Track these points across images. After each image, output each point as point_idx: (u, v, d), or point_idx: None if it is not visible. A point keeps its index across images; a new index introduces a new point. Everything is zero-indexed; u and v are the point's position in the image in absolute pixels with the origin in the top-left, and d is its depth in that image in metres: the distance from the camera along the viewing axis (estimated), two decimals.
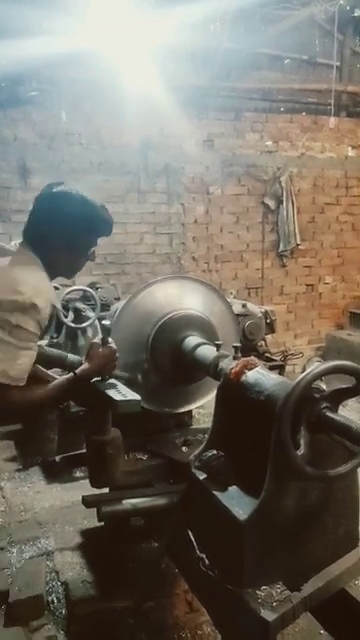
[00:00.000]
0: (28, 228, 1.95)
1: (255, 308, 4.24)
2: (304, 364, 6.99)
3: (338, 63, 6.91)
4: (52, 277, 1.97)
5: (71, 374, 1.98)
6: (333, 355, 7.15)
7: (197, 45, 6.10)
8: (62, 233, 1.90)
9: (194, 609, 2.78)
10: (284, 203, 6.96)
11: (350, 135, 7.40)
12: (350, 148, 7.42)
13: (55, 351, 2.33)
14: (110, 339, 2.09)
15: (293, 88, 6.86)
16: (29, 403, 1.85)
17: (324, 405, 1.58)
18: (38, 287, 1.76)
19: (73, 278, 2.18)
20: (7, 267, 1.79)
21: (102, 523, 3.19)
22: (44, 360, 2.12)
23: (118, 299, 4.89)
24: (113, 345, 2.07)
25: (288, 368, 5.78)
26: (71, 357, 2.31)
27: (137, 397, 2.02)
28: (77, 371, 1.98)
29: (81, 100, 5.88)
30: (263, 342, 4.38)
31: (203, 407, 3.73)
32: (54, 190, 1.93)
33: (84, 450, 3.29)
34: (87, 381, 2.03)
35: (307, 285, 7.48)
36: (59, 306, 2.04)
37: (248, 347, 3.87)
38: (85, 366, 2.02)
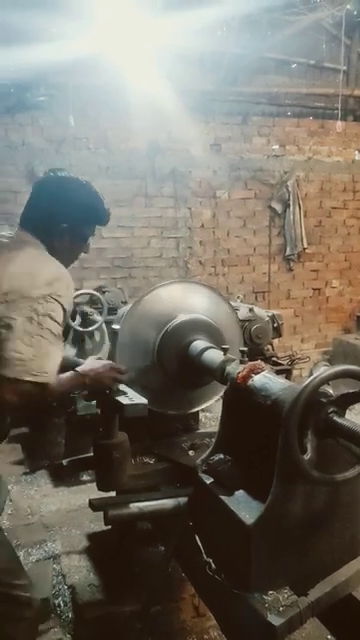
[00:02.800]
0: (28, 213, 1.89)
1: (262, 312, 4.23)
2: (311, 368, 6.97)
3: (345, 67, 6.90)
4: None
5: (77, 373, 1.88)
6: (340, 359, 7.12)
7: (204, 50, 6.11)
8: (66, 217, 1.86)
9: (201, 613, 2.78)
10: (291, 207, 6.95)
11: (357, 139, 7.38)
12: (357, 152, 7.40)
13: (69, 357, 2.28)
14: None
15: (300, 92, 6.85)
16: (53, 398, 1.81)
17: (331, 409, 1.58)
18: (59, 272, 1.72)
19: (80, 281, 2.15)
20: (20, 255, 1.72)
21: (109, 527, 3.20)
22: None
23: (125, 303, 4.91)
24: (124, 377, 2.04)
25: (295, 372, 5.78)
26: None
27: (144, 401, 2.03)
28: (87, 382, 1.91)
29: (88, 105, 5.91)
30: (270, 346, 4.37)
31: (209, 411, 3.74)
32: (58, 174, 1.91)
33: (91, 454, 3.32)
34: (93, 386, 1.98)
35: (314, 289, 7.46)
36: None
37: (255, 351, 3.86)
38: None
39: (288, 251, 7.11)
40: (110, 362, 2.04)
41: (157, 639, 2.60)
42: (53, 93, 5.65)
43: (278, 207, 7.00)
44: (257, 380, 1.87)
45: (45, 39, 4.88)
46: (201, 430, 2.91)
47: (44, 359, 1.62)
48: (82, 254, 2.05)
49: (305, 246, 7.09)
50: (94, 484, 3.67)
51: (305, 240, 7.07)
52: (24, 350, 1.58)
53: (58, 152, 5.94)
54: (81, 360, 2.21)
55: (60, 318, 1.68)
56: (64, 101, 5.67)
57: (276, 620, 1.53)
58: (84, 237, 1.97)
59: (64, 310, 1.70)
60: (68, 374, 1.84)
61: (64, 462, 2.92)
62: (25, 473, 4.32)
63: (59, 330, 1.68)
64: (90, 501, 2.32)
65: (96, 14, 4.66)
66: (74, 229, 1.89)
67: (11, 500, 3.86)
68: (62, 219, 1.85)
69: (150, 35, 4.96)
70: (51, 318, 1.64)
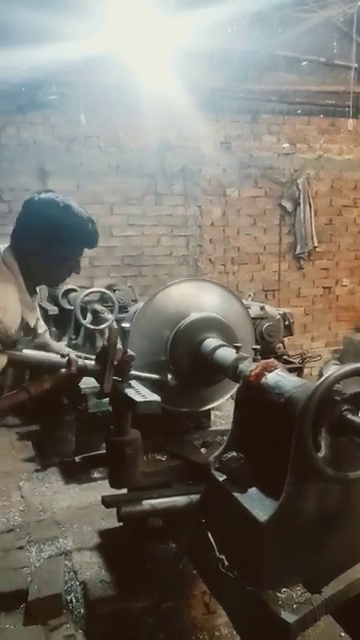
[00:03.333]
0: (13, 230, 1.96)
1: (273, 310, 4.23)
2: (321, 367, 6.95)
3: (356, 65, 6.86)
4: (32, 284, 1.97)
5: (24, 392, 1.90)
6: (350, 358, 7.10)
7: (214, 47, 6.09)
8: (37, 237, 1.88)
9: (211, 611, 2.78)
10: (301, 205, 6.94)
11: None
12: None
13: (42, 355, 2.07)
14: (74, 357, 1.99)
15: (310, 90, 6.82)
16: None
17: (345, 407, 1.58)
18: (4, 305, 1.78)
19: (90, 280, 2.16)
20: None
21: (120, 524, 3.21)
22: (31, 366, 2.08)
23: (135, 301, 4.92)
24: (73, 368, 1.97)
25: (305, 371, 5.76)
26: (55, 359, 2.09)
27: (157, 398, 2.03)
28: (31, 390, 1.91)
29: (99, 103, 5.92)
30: (281, 344, 4.37)
31: (219, 409, 3.74)
32: (40, 196, 1.93)
33: (102, 451, 3.33)
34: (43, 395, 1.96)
35: (324, 287, 7.45)
36: (33, 316, 2.01)
37: (266, 349, 3.86)
38: (42, 384, 1.95)
39: (298, 249, 7.10)
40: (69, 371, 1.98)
41: (168, 635, 2.61)
42: (64, 92, 5.67)
43: (288, 205, 6.99)
44: (270, 378, 1.88)
45: (56, 38, 4.89)
46: (213, 428, 2.91)
47: None
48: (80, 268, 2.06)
49: (315, 244, 7.08)
50: (105, 481, 3.67)
51: (315, 238, 7.06)
52: None
53: (69, 150, 5.96)
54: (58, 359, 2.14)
55: None
56: (75, 99, 5.69)
57: (290, 617, 1.53)
58: (61, 258, 1.97)
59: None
60: (11, 392, 1.91)
61: (76, 459, 2.93)
62: (36, 470, 4.33)
63: None
64: (103, 498, 2.34)
65: (107, 13, 4.67)
66: (45, 249, 1.91)
67: (23, 497, 3.88)
68: (32, 239, 1.89)
69: (161, 33, 4.96)
70: None
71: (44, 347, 2.16)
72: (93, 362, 2.03)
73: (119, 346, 2.01)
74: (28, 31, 4.70)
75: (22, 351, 1.94)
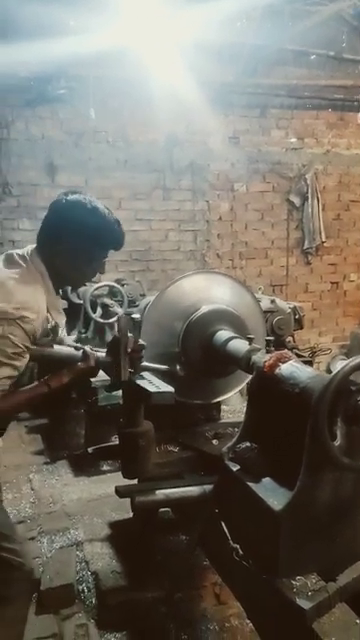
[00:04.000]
0: (39, 232, 1.97)
1: (284, 304, 4.23)
2: (328, 362, 6.95)
3: None
4: (58, 285, 1.99)
5: (43, 384, 1.92)
6: (357, 352, 7.02)
7: (224, 41, 6.07)
8: (66, 239, 1.90)
9: (222, 601, 2.80)
10: (309, 200, 6.93)
11: None
12: None
13: (65, 351, 2.13)
14: (89, 351, 2.01)
15: (319, 84, 6.80)
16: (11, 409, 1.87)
17: None
18: (27, 302, 1.78)
19: (98, 274, 2.16)
20: (5, 279, 1.80)
21: (130, 515, 3.24)
22: (55, 362, 2.10)
23: (143, 295, 4.93)
24: (92, 361, 1.99)
25: (313, 366, 5.76)
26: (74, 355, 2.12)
27: (170, 389, 2.04)
28: (52, 384, 1.92)
29: (108, 98, 5.92)
30: (291, 338, 4.38)
31: (226, 404, 3.75)
32: (67, 197, 1.95)
33: (111, 443, 3.35)
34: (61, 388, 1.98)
35: (332, 283, 7.44)
36: (59, 316, 2.02)
37: (277, 343, 3.85)
38: (61, 378, 1.95)
39: (306, 244, 7.09)
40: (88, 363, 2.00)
41: (179, 625, 2.63)
42: (73, 86, 5.68)
43: (296, 200, 6.98)
44: (285, 369, 1.88)
45: (66, 32, 4.91)
46: (224, 420, 2.93)
47: None
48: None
49: (323, 239, 7.07)
50: (114, 474, 3.72)
51: (323, 233, 7.05)
52: None
53: (77, 145, 5.98)
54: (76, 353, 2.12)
55: (20, 340, 1.76)
56: (84, 94, 5.70)
57: (305, 604, 1.54)
58: (88, 259, 1.98)
59: (27, 335, 1.78)
60: (31, 385, 1.92)
61: (89, 450, 2.95)
62: (46, 463, 4.37)
63: (16, 349, 1.76)
64: (116, 488, 2.35)
65: (118, 7, 4.67)
66: (74, 251, 1.93)
67: (33, 489, 3.91)
68: (61, 241, 1.91)
69: (170, 27, 4.96)
70: (8, 339, 1.73)
71: (60, 343, 2.18)
72: (104, 355, 2.05)
73: (130, 335, 2.02)
74: (38, 25, 4.72)
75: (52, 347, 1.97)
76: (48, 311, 1.89)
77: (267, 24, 5.78)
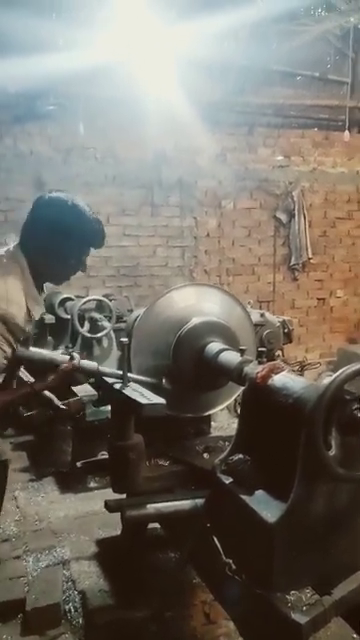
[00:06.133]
0: (22, 227, 2.00)
1: (273, 317, 4.24)
2: (315, 378, 6.95)
3: (350, 80, 6.98)
4: (40, 281, 2.01)
5: (28, 387, 1.97)
6: None
7: (212, 62, 6.18)
8: (45, 235, 1.92)
9: (212, 621, 2.75)
10: (296, 217, 7.00)
11: None
12: None
13: (40, 352, 2.14)
14: (77, 355, 2.06)
15: (305, 104, 6.93)
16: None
17: (355, 407, 1.58)
18: (6, 296, 1.80)
19: (86, 289, 2.19)
20: None
21: (118, 532, 3.18)
22: (36, 363, 2.10)
23: (131, 311, 4.90)
24: (76, 362, 2.03)
25: None
26: (60, 357, 2.14)
27: (162, 400, 2.02)
28: (35, 385, 1.98)
29: (96, 115, 5.94)
30: (281, 352, 4.38)
31: (214, 420, 3.72)
32: (50, 194, 1.97)
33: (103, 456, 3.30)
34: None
35: (318, 299, 7.48)
36: (38, 310, 2.02)
37: (266, 356, 3.86)
38: (46, 383, 2.00)
39: (293, 261, 7.14)
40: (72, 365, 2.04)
41: None
42: (62, 102, 5.71)
43: (283, 217, 7.04)
44: (277, 380, 1.87)
45: (55, 49, 4.95)
46: (214, 434, 2.90)
47: None
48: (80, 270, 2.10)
49: (310, 256, 7.13)
50: (101, 491, 3.66)
51: (310, 250, 7.11)
52: None
53: (66, 162, 5.99)
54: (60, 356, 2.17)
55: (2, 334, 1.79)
56: (73, 110, 5.73)
57: (301, 618, 1.51)
58: (68, 255, 2.00)
59: (10, 330, 1.82)
60: (22, 390, 1.97)
61: (78, 464, 2.90)
62: (31, 480, 4.28)
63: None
64: (106, 502, 2.31)
65: (107, 24, 4.73)
66: (53, 247, 1.95)
67: (18, 506, 3.83)
68: (40, 237, 1.94)
69: (159, 46, 5.03)
70: None
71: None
72: (94, 363, 2.09)
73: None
74: (27, 41, 4.75)
75: (29, 349, 1.96)
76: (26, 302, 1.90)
77: (254, 45, 5.89)
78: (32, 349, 2.00)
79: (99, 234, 2.01)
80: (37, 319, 2.05)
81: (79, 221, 1.95)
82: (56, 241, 1.93)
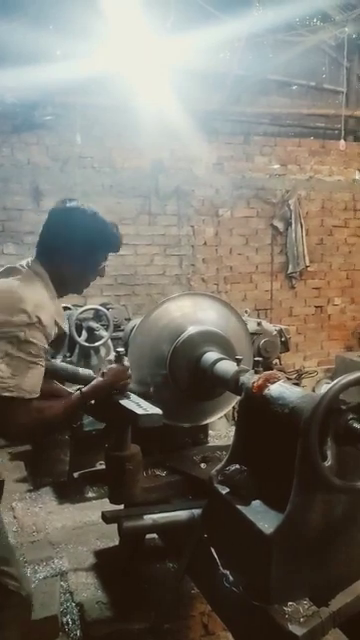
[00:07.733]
0: (39, 241, 2.00)
1: (270, 326, 4.24)
2: (313, 386, 6.95)
3: (345, 89, 7.03)
4: (62, 292, 2.01)
5: (78, 392, 1.98)
6: None
7: (209, 71, 6.23)
8: (69, 246, 1.93)
9: (210, 632, 2.73)
10: (293, 225, 7.01)
11: (358, 159, 7.48)
12: (358, 172, 7.50)
13: (66, 366, 2.30)
14: (125, 357, 2.09)
15: (301, 113, 6.97)
16: (44, 419, 1.85)
17: (351, 417, 1.58)
18: (39, 303, 1.80)
19: (83, 298, 2.20)
20: (12, 286, 1.82)
21: (116, 543, 3.16)
22: (55, 375, 2.12)
23: (129, 320, 4.90)
24: (127, 363, 2.07)
25: None
26: (83, 372, 2.28)
27: (158, 411, 2.02)
28: (84, 389, 1.99)
29: (94, 124, 5.98)
30: (277, 360, 4.37)
31: (212, 429, 3.70)
32: (66, 205, 1.97)
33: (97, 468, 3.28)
34: (96, 397, 2.04)
35: (316, 307, 7.49)
36: (63, 322, 2.03)
37: (263, 365, 3.85)
38: (95, 382, 2.02)
39: (290, 269, 7.15)
40: (123, 365, 2.08)
41: None
42: (59, 112, 5.74)
43: (280, 225, 7.06)
44: (273, 389, 1.87)
45: (52, 59, 4.98)
46: (211, 444, 2.89)
47: (22, 378, 1.73)
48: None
49: (307, 264, 7.13)
50: (99, 501, 3.64)
51: (307, 258, 7.11)
52: (4, 369, 1.71)
53: (63, 171, 6.00)
54: (82, 370, 2.23)
55: (42, 343, 1.79)
56: (70, 120, 5.76)
57: (298, 630, 1.50)
58: (92, 263, 2.03)
59: (46, 338, 1.81)
60: (73, 397, 1.98)
61: (75, 475, 2.89)
62: (29, 490, 4.26)
63: (39, 350, 1.78)
64: (103, 513, 2.30)
65: (103, 35, 4.76)
66: (78, 256, 1.96)
67: (15, 517, 3.81)
68: (64, 248, 1.94)
69: (156, 56, 5.05)
70: (31, 343, 1.75)
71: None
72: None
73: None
74: (25, 51, 4.78)
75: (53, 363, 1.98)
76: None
77: (250, 55, 5.94)
78: (58, 363, 2.02)
79: (119, 239, 2.05)
80: (63, 332, 2.06)
81: (101, 229, 1.97)
82: (81, 251, 1.95)
